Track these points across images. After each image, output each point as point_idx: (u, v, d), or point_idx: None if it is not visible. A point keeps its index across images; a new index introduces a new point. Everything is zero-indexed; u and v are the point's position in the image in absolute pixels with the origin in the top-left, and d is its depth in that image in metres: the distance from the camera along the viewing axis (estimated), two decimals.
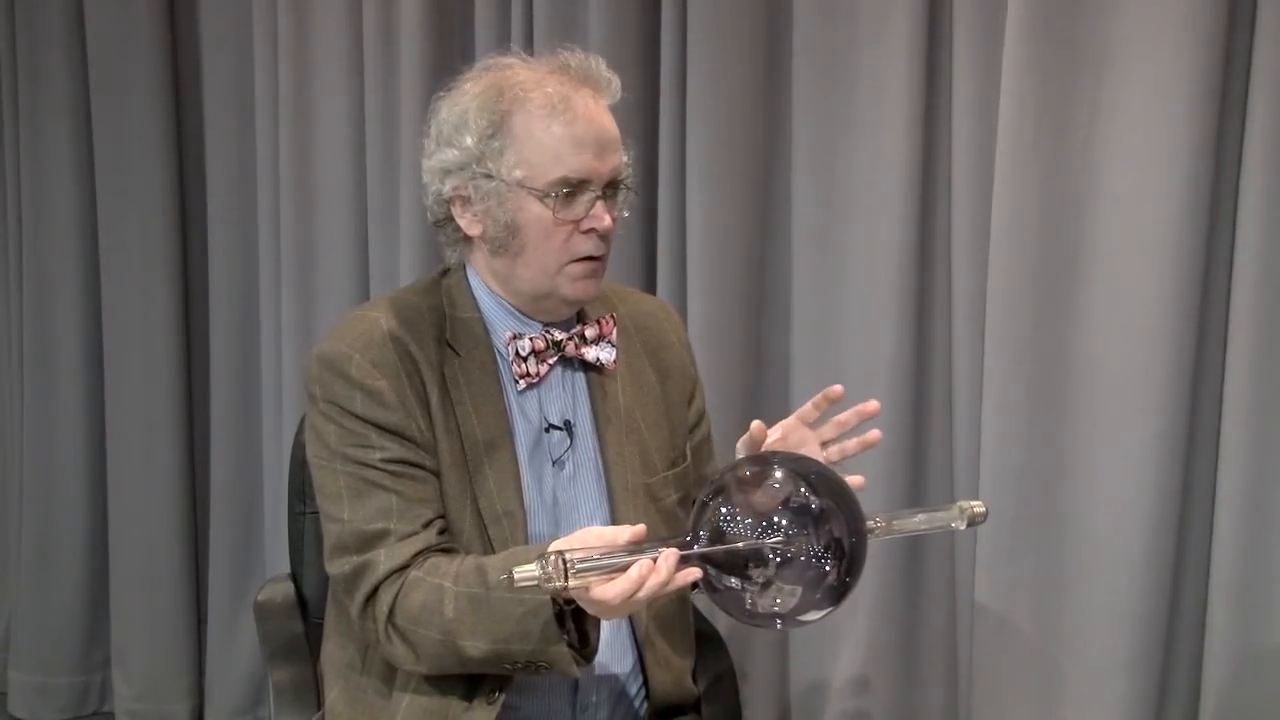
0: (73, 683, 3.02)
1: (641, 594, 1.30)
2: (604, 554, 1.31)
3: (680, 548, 1.33)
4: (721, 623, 2.06)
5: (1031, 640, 2.03)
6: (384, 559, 1.49)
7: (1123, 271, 1.91)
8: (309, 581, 1.86)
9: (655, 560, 1.31)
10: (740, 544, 1.32)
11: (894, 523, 1.42)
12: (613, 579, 1.30)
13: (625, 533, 1.34)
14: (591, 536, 1.36)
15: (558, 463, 1.60)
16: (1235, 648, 1.90)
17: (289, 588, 1.88)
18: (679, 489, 1.68)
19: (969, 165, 2.02)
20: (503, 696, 1.54)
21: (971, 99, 2.01)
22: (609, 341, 1.61)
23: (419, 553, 1.50)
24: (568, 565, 1.27)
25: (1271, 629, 1.89)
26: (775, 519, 1.32)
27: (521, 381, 1.57)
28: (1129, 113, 1.88)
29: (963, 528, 1.43)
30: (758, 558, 1.32)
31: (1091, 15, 1.89)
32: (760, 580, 1.33)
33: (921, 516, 1.45)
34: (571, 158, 1.49)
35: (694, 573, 1.33)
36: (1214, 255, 1.89)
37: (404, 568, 1.49)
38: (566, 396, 1.62)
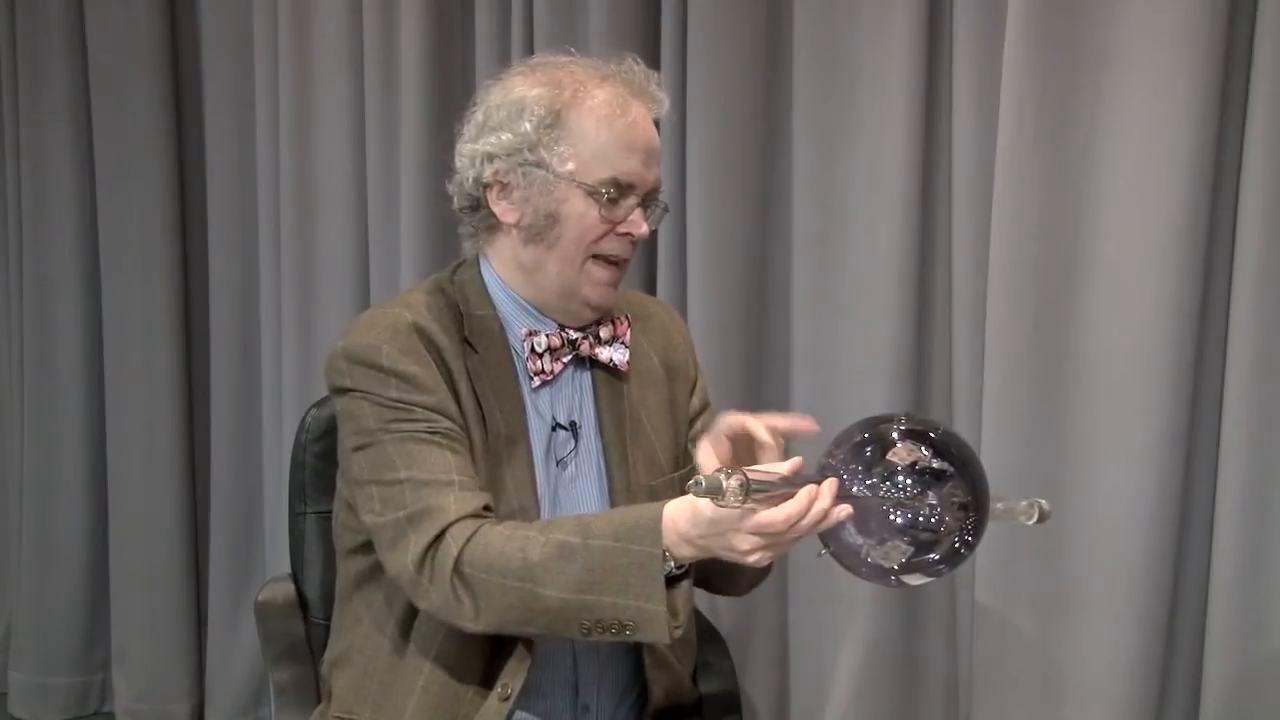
0: (73, 683, 3.03)
1: (805, 521, 1.31)
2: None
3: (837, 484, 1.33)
4: (722, 622, 2.06)
5: (1031, 640, 2.03)
6: (454, 504, 1.45)
7: (1123, 271, 1.91)
8: (309, 581, 1.86)
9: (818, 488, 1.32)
10: (888, 497, 1.33)
11: None
12: (776, 506, 1.31)
13: (784, 467, 1.35)
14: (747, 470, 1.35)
15: (561, 463, 1.60)
16: (1235, 648, 1.90)
17: (289, 588, 1.88)
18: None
19: (969, 165, 2.02)
20: (513, 701, 1.53)
21: (971, 99, 2.01)
22: (623, 343, 1.62)
23: (487, 506, 1.48)
24: (748, 483, 1.26)
25: (1272, 629, 1.89)
26: (902, 479, 1.34)
27: (536, 379, 1.57)
28: (1129, 113, 1.88)
29: (1030, 523, 1.43)
30: (896, 513, 1.33)
31: (1091, 15, 1.89)
32: (882, 536, 1.34)
33: (1000, 505, 1.44)
34: (623, 161, 1.51)
35: (848, 509, 1.33)
36: (1214, 255, 1.89)
37: (475, 517, 1.46)
38: (574, 397, 1.62)
